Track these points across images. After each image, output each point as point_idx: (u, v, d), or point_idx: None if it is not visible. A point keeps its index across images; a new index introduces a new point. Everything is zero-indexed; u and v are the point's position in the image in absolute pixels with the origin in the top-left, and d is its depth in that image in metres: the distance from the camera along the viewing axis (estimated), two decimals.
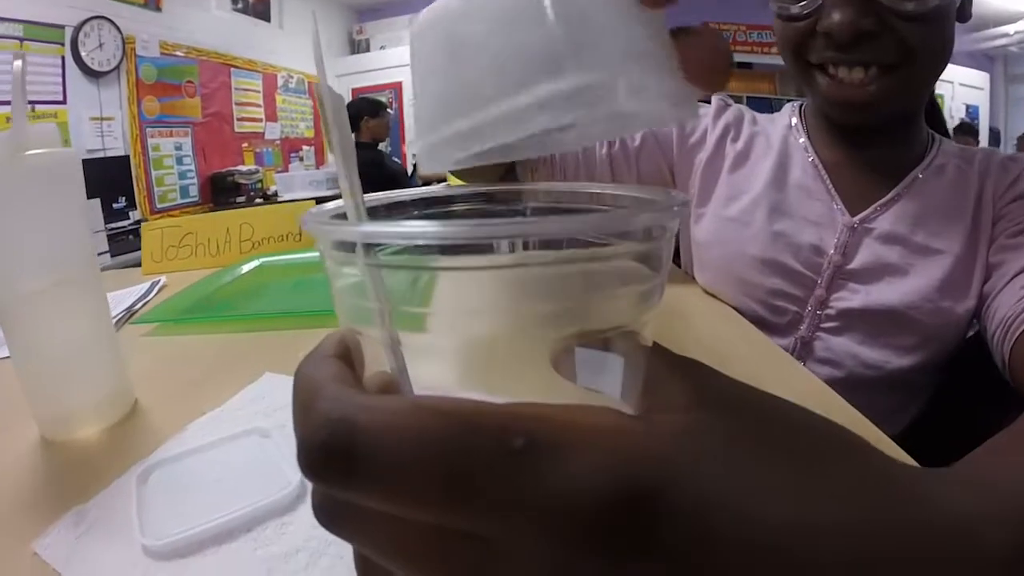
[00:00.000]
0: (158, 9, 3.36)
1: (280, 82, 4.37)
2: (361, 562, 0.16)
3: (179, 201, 3.51)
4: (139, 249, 0.99)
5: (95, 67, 2.95)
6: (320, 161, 4.69)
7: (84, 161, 0.42)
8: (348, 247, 0.16)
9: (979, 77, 5.52)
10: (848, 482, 0.14)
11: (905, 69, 0.56)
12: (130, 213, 3.09)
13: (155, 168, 3.35)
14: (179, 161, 3.52)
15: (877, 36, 0.55)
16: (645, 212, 0.15)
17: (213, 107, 3.76)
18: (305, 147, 4.63)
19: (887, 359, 0.60)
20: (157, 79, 3.34)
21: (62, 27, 2.80)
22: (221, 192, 3.64)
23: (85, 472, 0.37)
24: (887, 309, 0.60)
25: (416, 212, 0.21)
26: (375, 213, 0.20)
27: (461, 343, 0.17)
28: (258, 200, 3.71)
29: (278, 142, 4.37)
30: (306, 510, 0.32)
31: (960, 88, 5.39)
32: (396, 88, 4.75)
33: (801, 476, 0.14)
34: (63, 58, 2.83)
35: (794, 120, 0.72)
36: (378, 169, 3.17)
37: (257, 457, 0.37)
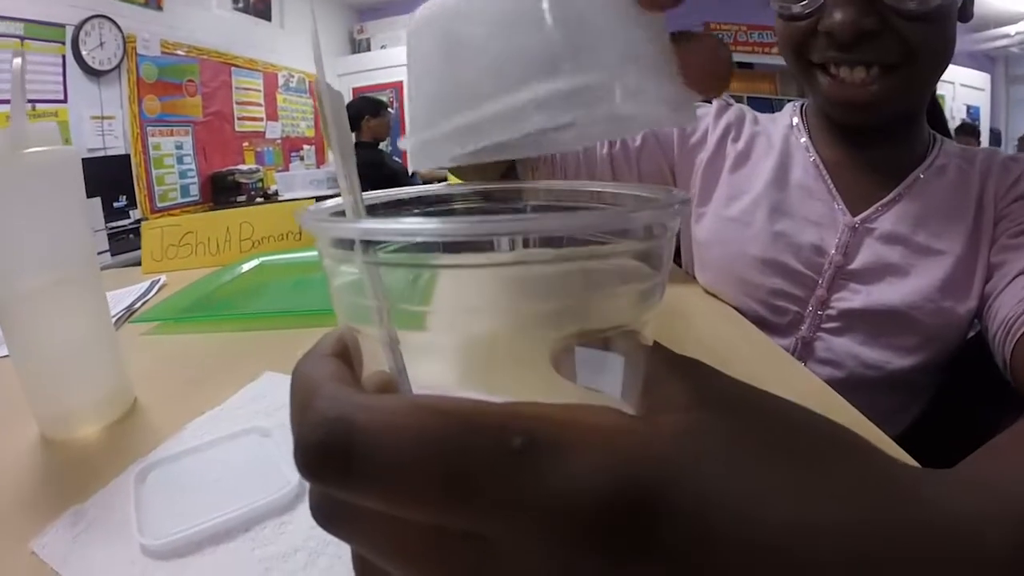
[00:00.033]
0: (159, 8, 3.36)
1: (281, 81, 4.37)
2: (359, 562, 0.16)
3: (179, 200, 3.51)
4: (139, 248, 0.99)
5: (96, 66, 2.96)
6: (321, 160, 4.69)
7: (85, 160, 0.42)
8: (346, 244, 0.16)
9: (980, 78, 5.52)
10: (848, 482, 0.14)
11: (907, 69, 0.56)
12: (130, 212, 3.09)
13: (156, 167, 3.36)
14: (180, 160, 3.52)
15: (879, 36, 0.55)
16: (645, 210, 0.15)
17: (214, 106, 3.76)
18: (306, 146, 4.63)
19: (888, 359, 0.60)
20: (158, 78, 3.34)
21: (63, 26, 2.81)
22: (222, 191, 3.64)
23: (84, 471, 0.37)
24: (888, 309, 0.60)
25: (416, 210, 0.21)
26: (374, 211, 0.20)
27: (460, 342, 0.17)
28: (259, 199, 3.71)
29: (279, 141, 4.37)
30: (305, 510, 0.32)
31: (961, 89, 5.39)
32: (397, 87, 4.75)
33: (801, 476, 0.14)
34: (64, 57, 2.83)
35: (795, 120, 0.71)
36: (378, 169, 3.16)
37: (256, 456, 0.37)
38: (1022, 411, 0.28)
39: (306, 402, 0.14)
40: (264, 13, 4.19)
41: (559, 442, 0.13)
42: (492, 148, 0.17)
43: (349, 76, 4.83)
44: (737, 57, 4.64)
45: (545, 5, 0.16)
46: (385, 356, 0.16)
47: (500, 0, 0.17)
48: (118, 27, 3.04)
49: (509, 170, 0.69)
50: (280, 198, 3.80)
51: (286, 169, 4.36)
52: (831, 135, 0.68)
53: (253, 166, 3.87)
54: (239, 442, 0.39)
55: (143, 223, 1.03)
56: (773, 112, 0.76)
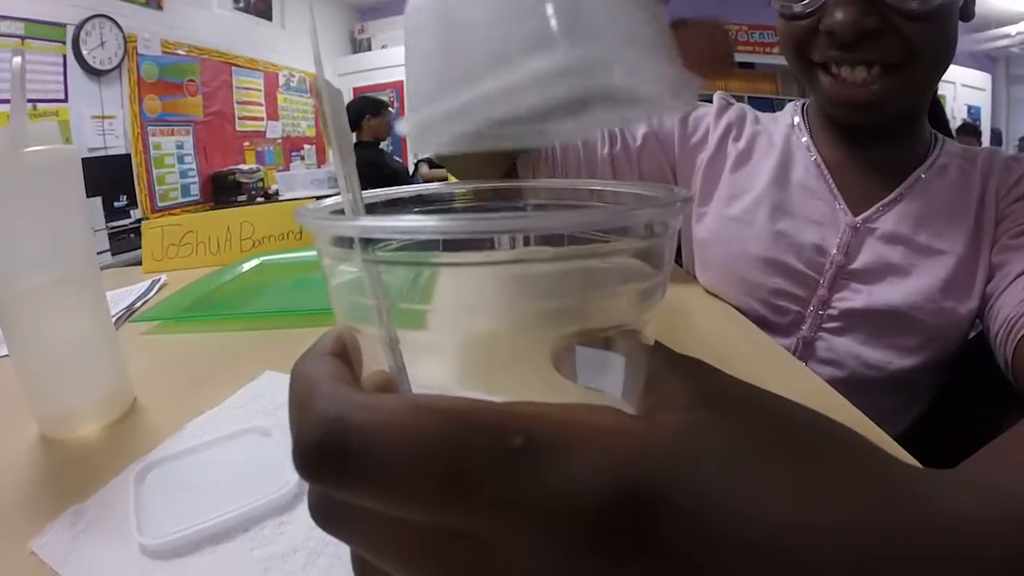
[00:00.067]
0: (160, 8, 3.36)
1: (281, 81, 4.38)
2: (358, 562, 0.16)
3: (180, 200, 3.51)
4: (140, 248, 0.99)
5: (96, 65, 2.96)
6: (321, 160, 4.69)
7: (85, 160, 0.42)
8: (346, 243, 0.16)
9: (981, 78, 5.51)
10: (849, 482, 0.14)
11: (908, 68, 0.56)
12: (131, 212, 3.10)
13: (156, 167, 3.36)
14: (180, 160, 3.52)
15: (880, 35, 0.55)
16: (646, 208, 0.15)
17: (214, 106, 3.76)
18: (306, 146, 4.63)
19: (889, 359, 0.60)
20: (158, 78, 3.34)
21: (63, 25, 2.81)
22: (222, 191, 3.63)
23: (83, 471, 0.37)
24: (889, 309, 0.59)
25: (415, 209, 0.21)
26: (373, 209, 0.20)
27: (460, 341, 0.17)
28: (259, 199, 3.71)
29: (279, 141, 4.38)
30: (304, 510, 0.32)
31: (962, 89, 5.38)
32: (398, 87, 4.74)
33: (802, 476, 0.14)
34: (64, 56, 2.83)
35: (796, 119, 0.71)
36: (379, 168, 3.17)
37: (256, 456, 0.37)
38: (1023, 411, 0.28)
39: (304, 401, 0.14)
40: (265, 13, 4.19)
41: (558, 442, 0.13)
42: (492, 132, 0.16)
43: (350, 76, 4.83)
44: (738, 57, 4.65)
45: None
46: (384, 355, 0.16)
47: None
48: (119, 27, 3.04)
49: (510, 170, 0.69)
50: (281, 198, 3.80)
51: (287, 169, 4.36)
52: (832, 135, 0.67)
53: (254, 166, 3.87)
54: (239, 442, 0.39)
55: (143, 222, 1.03)
56: (774, 112, 0.76)
